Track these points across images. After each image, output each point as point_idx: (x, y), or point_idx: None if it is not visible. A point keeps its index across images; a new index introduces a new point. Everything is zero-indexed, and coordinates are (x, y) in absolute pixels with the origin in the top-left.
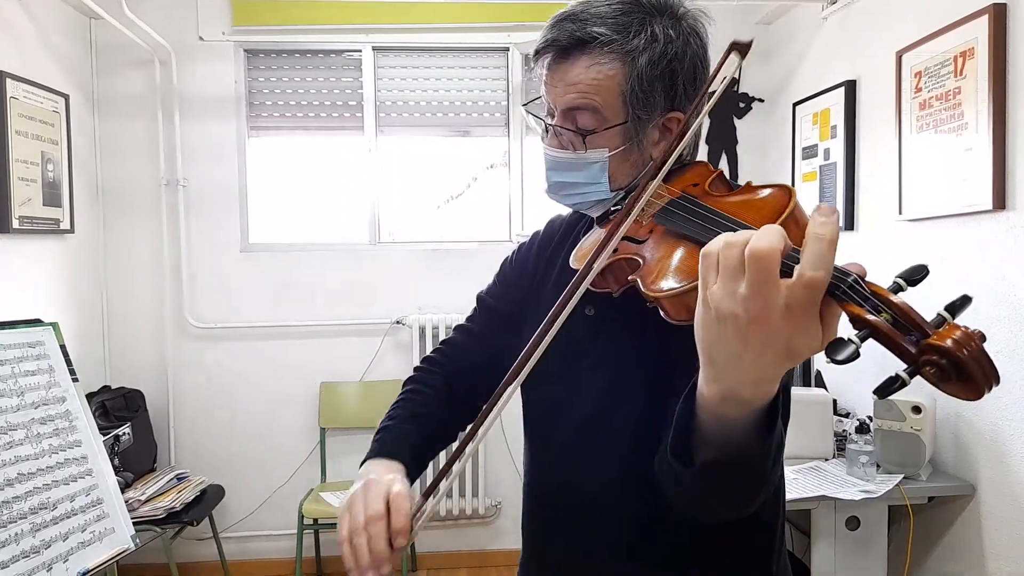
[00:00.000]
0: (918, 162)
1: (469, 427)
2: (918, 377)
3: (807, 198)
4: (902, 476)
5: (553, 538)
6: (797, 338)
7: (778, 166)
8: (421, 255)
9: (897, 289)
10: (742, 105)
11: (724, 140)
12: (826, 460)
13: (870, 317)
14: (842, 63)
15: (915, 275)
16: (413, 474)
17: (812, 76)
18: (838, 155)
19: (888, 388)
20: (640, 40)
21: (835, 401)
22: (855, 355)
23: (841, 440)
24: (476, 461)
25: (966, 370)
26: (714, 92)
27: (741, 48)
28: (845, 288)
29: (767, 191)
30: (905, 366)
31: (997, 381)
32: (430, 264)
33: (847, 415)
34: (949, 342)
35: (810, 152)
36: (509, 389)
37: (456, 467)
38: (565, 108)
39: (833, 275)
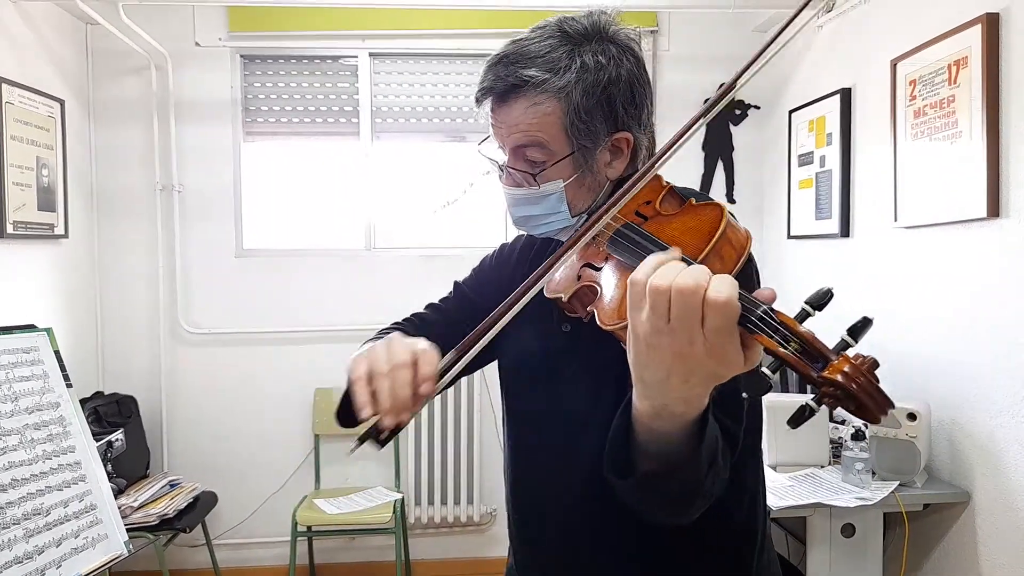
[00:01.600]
0: (913, 170)
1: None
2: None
3: (803, 205)
4: (897, 483)
5: (537, 545)
6: (720, 366)
7: (774, 173)
8: (416, 261)
9: (805, 316)
10: (738, 112)
11: (720, 147)
12: (822, 467)
13: (780, 349)
14: (837, 71)
15: (821, 300)
16: None
17: (808, 84)
18: (834, 162)
19: (799, 418)
20: (571, 74)
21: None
22: (768, 388)
23: (837, 447)
24: (471, 468)
25: (857, 400)
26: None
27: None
28: (755, 320)
29: (703, 212)
30: (813, 393)
31: (891, 407)
32: (425, 270)
33: (843, 422)
34: (839, 376)
35: (806, 159)
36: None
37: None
38: (513, 147)
39: (744, 306)
